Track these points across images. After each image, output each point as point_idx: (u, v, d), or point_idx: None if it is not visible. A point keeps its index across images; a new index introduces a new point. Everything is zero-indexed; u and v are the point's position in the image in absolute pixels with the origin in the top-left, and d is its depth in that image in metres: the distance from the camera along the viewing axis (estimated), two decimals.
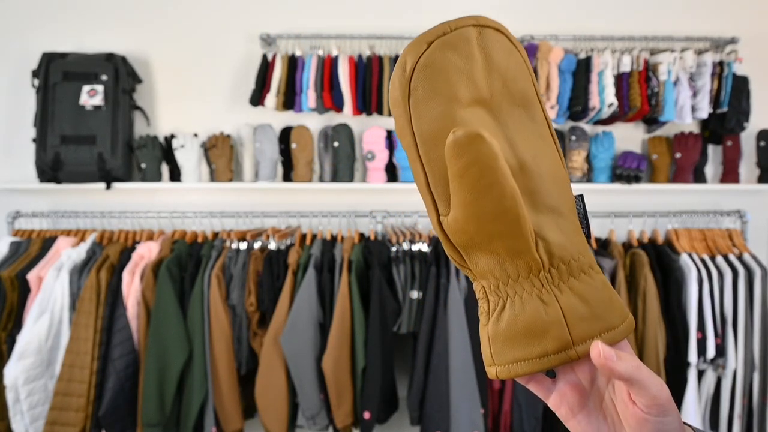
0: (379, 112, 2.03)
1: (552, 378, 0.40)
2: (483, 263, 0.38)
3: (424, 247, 1.86)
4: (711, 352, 1.83)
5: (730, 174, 2.17)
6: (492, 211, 0.36)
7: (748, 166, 2.26)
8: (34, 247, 1.93)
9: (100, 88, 1.97)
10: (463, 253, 0.39)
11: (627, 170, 2.08)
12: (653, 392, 0.33)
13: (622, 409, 0.36)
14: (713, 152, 2.26)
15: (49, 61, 1.98)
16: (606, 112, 2.01)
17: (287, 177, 2.14)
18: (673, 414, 0.34)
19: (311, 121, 2.18)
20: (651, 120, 2.14)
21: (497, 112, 0.39)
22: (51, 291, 1.78)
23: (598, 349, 0.34)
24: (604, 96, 1.99)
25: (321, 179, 2.14)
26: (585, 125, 2.15)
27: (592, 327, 0.37)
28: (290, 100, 2.04)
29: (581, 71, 2.01)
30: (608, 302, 0.38)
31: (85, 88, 1.96)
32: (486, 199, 0.35)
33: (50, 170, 1.95)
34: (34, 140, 1.97)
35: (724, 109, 2.05)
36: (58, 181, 1.98)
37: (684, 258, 1.90)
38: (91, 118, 1.96)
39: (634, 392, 0.34)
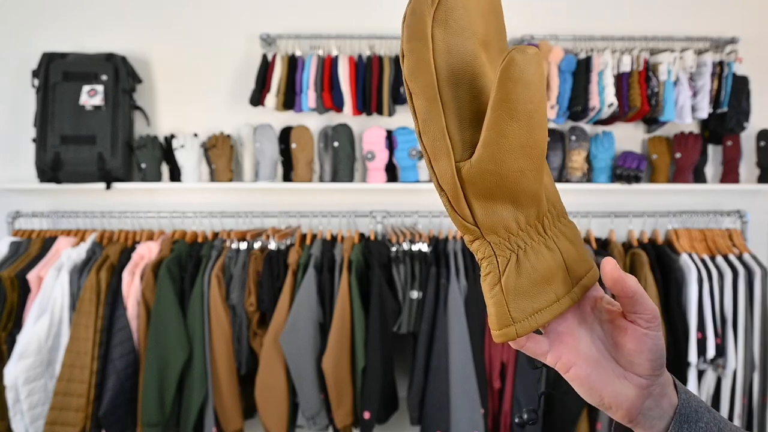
0: (379, 112, 2.03)
1: (540, 334, 0.42)
2: (497, 214, 0.37)
3: (424, 247, 1.86)
4: (711, 352, 1.83)
5: (730, 174, 2.17)
6: (525, 143, 0.35)
7: (748, 166, 2.26)
8: (34, 247, 1.93)
9: (100, 88, 1.97)
10: (476, 204, 0.37)
11: (627, 170, 2.08)
12: (651, 306, 0.38)
13: (619, 336, 0.40)
14: (713, 152, 2.26)
15: (49, 61, 1.98)
16: (606, 112, 2.01)
17: (287, 177, 2.14)
18: (661, 330, 0.38)
19: (311, 121, 2.19)
20: (651, 120, 2.14)
21: (492, 56, 0.39)
22: (51, 291, 1.78)
23: (612, 265, 0.38)
24: (604, 96, 1.99)
25: (321, 179, 2.14)
26: (585, 125, 2.15)
27: (581, 267, 0.41)
28: (290, 100, 2.04)
29: (581, 71, 2.01)
30: (583, 243, 0.43)
31: (85, 88, 1.96)
32: (525, 128, 0.34)
33: (50, 170, 1.95)
34: (34, 140, 1.97)
35: (724, 109, 2.05)
36: (58, 181, 1.98)
37: (684, 258, 1.90)
38: (91, 118, 1.96)
39: (637, 307, 0.38)
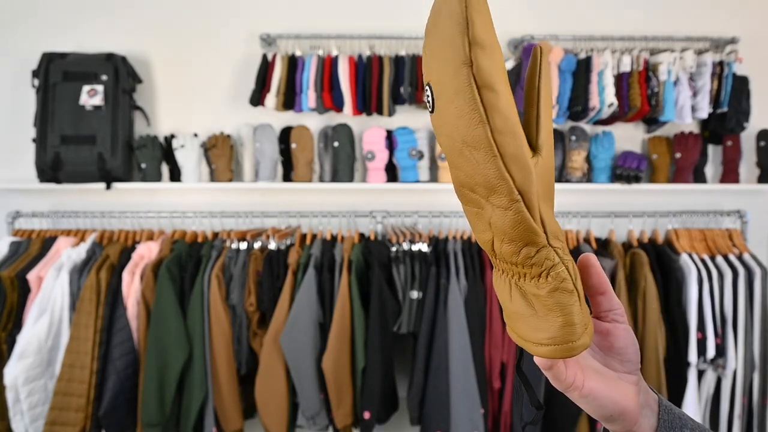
0: (379, 112, 2.03)
1: None
2: (552, 217, 0.37)
3: (424, 247, 1.86)
4: (711, 352, 1.83)
5: (730, 174, 2.17)
6: None
7: (748, 166, 2.26)
8: (34, 247, 1.93)
9: (100, 88, 1.97)
10: (541, 204, 0.35)
11: (627, 170, 2.08)
12: (618, 300, 0.41)
13: (604, 340, 0.41)
14: (713, 152, 2.26)
15: (49, 61, 1.98)
16: (606, 112, 2.01)
17: (287, 177, 2.14)
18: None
19: (311, 121, 2.18)
20: (651, 120, 2.14)
21: None
22: (51, 291, 1.78)
23: (595, 258, 0.41)
24: (604, 96, 1.99)
25: (321, 179, 2.14)
26: (585, 125, 2.15)
27: None
28: (290, 100, 2.04)
29: (581, 71, 2.01)
30: None
31: (85, 88, 1.96)
32: None
33: (50, 170, 1.95)
34: (34, 140, 1.97)
35: (724, 109, 2.05)
36: (58, 181, 1.98)
37: (684, 258, 1.90)
38: (91, 118, 1.96)
39: (612, 303, 0.41)
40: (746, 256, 1.93)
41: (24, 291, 1.82)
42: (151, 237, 2.01)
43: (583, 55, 2.04)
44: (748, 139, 2.24)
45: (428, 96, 0.36)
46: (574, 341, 0.35)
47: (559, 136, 2.10)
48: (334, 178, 2.07)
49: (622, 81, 2.01)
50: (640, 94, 2.00)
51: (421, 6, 2.18)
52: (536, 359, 0.39)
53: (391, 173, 2.12)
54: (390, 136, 2.08)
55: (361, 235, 2.05)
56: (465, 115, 0.32)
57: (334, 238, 2.02)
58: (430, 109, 0.36)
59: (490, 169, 0.33)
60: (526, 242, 0.35)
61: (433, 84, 0.35)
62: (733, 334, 1.87)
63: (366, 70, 2.03)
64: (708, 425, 1.89)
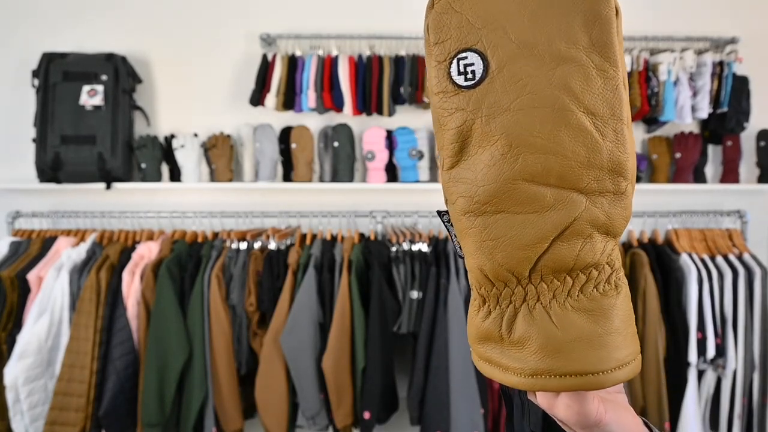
0: (379, 112, 2.03)
1: None
2: None
3: (424, 247, 1.86)
4: (711, 352, 1.83)
5: (730, 174, 2.17)
6: None
7: (748, 166, 2.26)
8: (34, 247, 1.93)
9: (100, 88, 1.97)
10: None
11: None
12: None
13: None
14: (713, 152, 2.25)
15: (49, 61, 1.98)
16: None
17: (287, 177, 2.14)
18: None
19: (311, 121, 2.18)
20: (651, 120, 2.14)
21: None
22: (51, 291, 1.78)
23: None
24: None
25: (321, 179, 2.14)
26: None
27: None
28: (290, 100, 2.04)
29: None
30: None
31: (85, 88, 1.96)
32: None
33: (50, 170, 1.95)
34: (34, 140, 1.97)
35: (724, 109, 2.05)
36: (58, 181, 1.98)
37: (684, 258, 1.90)
38: (91, 118, 1.96)
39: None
40: (746, 256, 1.93)
41: (24, 291, 1.82)
42: (151, 237, 2.01)
43: None
44: (748, 139, 2.24)
45: (478, 63, 0.30)
46: (639, 352, 0.32)
47: None
48: (334, 178, 2.07)
49: None
50: (640, 94, 2.00)
51: (421, 6, 2.18)
52: (589, 405, 0.31)
53: (391, 173, 2.12)
54: (390, 136, 2.08)
55: (361, 235, 2.05)
56: (596, 77, 0.29)
57: (334, 238, 2.02)
58: (475, 81, 0.30)
59: (620, 146, 0.29)
60: (616, 233, 0.31)
61: (508, 43, 0.29)
62: (733, 334, 1.87)
63: (366, 70, 2.03)
64: (708, 425, 1.89)
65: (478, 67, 0.30)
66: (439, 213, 0.37)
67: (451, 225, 0.35)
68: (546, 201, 0.30)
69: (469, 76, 0.30)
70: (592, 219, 0.30)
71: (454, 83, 0.31)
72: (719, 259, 1.92)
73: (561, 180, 0.29)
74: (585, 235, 0.30)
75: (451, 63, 0.31)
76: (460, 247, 0.35)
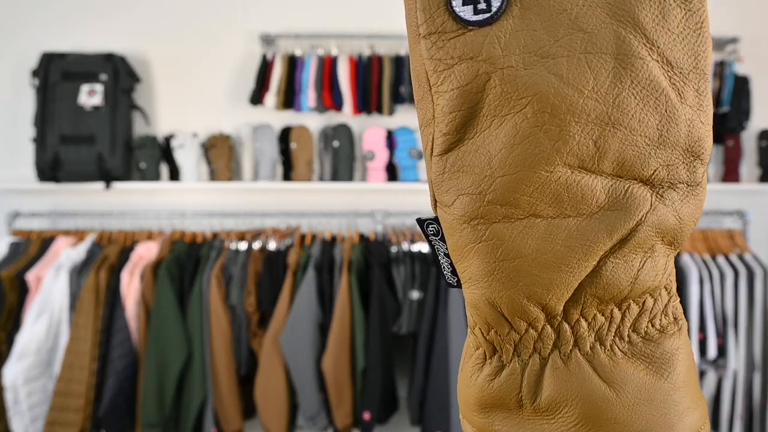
0: (379, 111, 2.03)
1: None
2: None
3: (424, 248, 1.85)
4: (712, 352, 1.82)
5: (731, 174, 2.17)
6: None
7: (749, 165, 2.25)
8: (33, 248, 1.93)
9: (99, 87, 1.97)
10: None
11: None
12: None
13: None
14: (714, 152, 2.25)
15: (49, 61, 1.98)
16: None
17: (287, 177, 2.14)
18: None
19: (311, 120, 2.18)
20: None
21: None
22: (50, 291, 1.78)
23: None
24: None
25: (321, 179, 2.14)
26: None
27: None
28: (290, 99, 2.04)
29: None
30: None
31: (85, 87, 1.96)
32: None
33: (50, 170, 1.95)
34: (33, 140, 1.97)
35: (725, 108, 2.05)
36: (57, 180, 1.98)
37: (685, 258, 1.90)
38: (90, 118, 1.96)
39: None
40: (747, 256, 1.92)
41: (22, 291, 1.82)
42: (150, 237, 2.00)
43: None
44: (749, 138, 2.23)
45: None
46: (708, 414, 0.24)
47: None
48: (334, 178, 2.07)
49: None
50: None
51: None
52: None
53: (391, 173, 2.12)
54: (390, 135, 2.08)
55: (361, 236, 2.04)
56: (675, 8, 0.21)
57: (333, 239, 2.01)
58: (492, 12, 0.19)
59: (702, 113, 0.22)
60: (681, 243, 0.22)
61: None
62: (734, 335, 1.86)
63: (366, 69, 2.02)
64: (710, 426, 1.89)
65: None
66: (421, 222, 0.25)
67: (440, 239, 0.24)
68: (597, 197, 0.20)
69: (482, 4, 0.19)
70: (660, 223, 0.21)
71: (456, 17, 0.20)
72: (720, 259, 1.92)
73: (620, 165, 0.20)
74: (647, 246, 0.21)
75: None
76: (452, 271, 0.25)
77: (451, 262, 0.24)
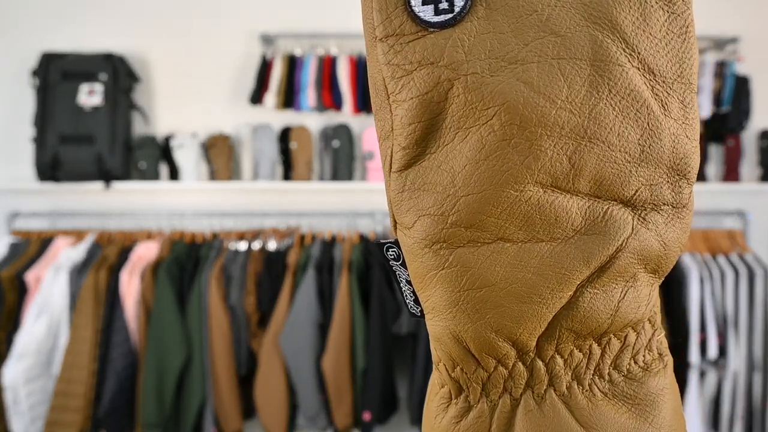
0: None
1: None
2: None
3: None
4: (713, 352, 1.82)
5: (731, 174, 2.17)
6: None
7: (749, 165, 2.25)
8: (32, 248, 1.93)
9: (98, 87, 1.96)
10: None
11: None
12: None
13: None
14: (715, 152, 2.25)
15: (49, 61, 1.98)
16: None
17: (287, 177, 2.14)
18: None
19: (311, 120, 2.18)
20: None
21: None
22: (50, 291, 1.77)
23: None
24: None
25: (321, 179, 2.14)
26: None
27: None
28: (289, 98, 2.04)
29: None
30: None
31: (84, 87, 1.96)
32: None
33: (49, 170, 1.95)
34: (33, 140, 1.97)
35: (726, 108, 2.05)
36: (57, 179, 1.98)
37: (685, 258, 1.90)
38: (89, 117, 1.96)
39: None
40: (748, 256, 1.92)
41: (22, 291, 1.81)
42: (150, 237, 2.00)
43: None
44: (749, 138, 2.23)
45: None
46: None
47: None
48: (334, 178, 2.07)
49: None
50: None
51: None
52: None
53: None
54: None
55: (361, 236, 2.04)
56: (657, 10, 0.18)
57: (333, 239, 2.01)
58: (455, 12, 0.17)
59: (687, 127, 0.19)
60: (665, 271, 0.20)
61: None
62: (734, 335, 1.86)
63: (366, 69, 2.02)
64: (709, 426, 1.88)
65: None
66: (381, 245, 0.23)
67: (401, 264, 0.22)
68: (572, 220, 0.18)
69: (444, 3, 0.17)
70: (642, 249, 0.19)
71: (415, 18, 0.18)
72: (721, 259, 1.92)
73: (598, 184, 0.18)
74: (628, 275, 0.19)
75: None
76: (415, 300, 0.23)
77: (414, 290, 0.22)
